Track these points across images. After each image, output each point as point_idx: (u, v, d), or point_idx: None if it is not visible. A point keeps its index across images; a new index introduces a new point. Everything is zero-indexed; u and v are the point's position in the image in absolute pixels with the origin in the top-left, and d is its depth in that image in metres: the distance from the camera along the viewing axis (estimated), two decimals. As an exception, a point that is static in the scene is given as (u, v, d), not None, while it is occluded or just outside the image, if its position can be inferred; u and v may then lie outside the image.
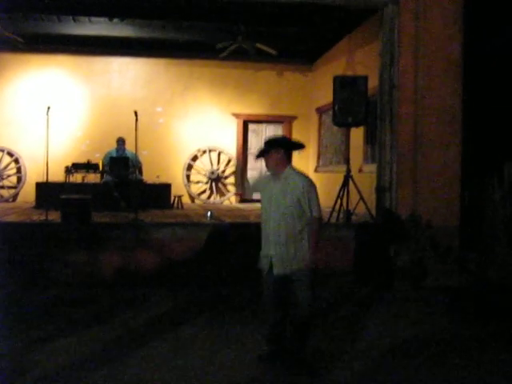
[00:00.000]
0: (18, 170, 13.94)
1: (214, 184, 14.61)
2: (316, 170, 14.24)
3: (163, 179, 12.91)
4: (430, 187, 8.78)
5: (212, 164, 14.69)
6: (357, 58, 12.00)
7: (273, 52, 12.26)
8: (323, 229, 4.85)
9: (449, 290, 7.82)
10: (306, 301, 4.77)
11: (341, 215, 9.14)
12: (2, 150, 13.86)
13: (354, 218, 9.18)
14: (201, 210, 11.77)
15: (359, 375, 4.81)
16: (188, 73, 14.68)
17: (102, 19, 12.04)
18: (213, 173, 14.53)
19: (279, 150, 4.85)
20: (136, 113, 9.22)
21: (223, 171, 14.76)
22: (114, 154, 12.04)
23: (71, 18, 11.99)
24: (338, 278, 7.99)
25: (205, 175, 14.59)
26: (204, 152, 14.67)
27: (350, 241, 8.44)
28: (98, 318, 6.36)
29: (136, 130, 9.17)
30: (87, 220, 8.39)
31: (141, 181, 11.83)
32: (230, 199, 14.74)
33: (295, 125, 15.12)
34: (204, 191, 14.68)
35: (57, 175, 11.61)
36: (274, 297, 4.88)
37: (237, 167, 14.69)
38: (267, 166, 4.96)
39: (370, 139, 11.30)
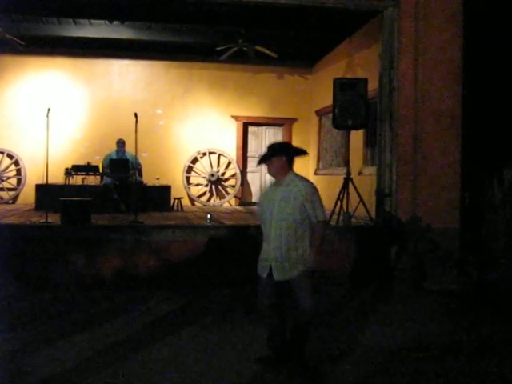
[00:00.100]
0: (18, 172, 13.93)
1: (213, 186, 14.61)
2: (316, 173, 14.24)
3: (163, 181, 12.91)
4: (429, 190, 8.78)
5: (212, 166, 14.69)
6: (357, 61, 12.00)
7: (273, 55, 12.27)
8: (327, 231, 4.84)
9: (449, 293, 7.82)
10: (305, 305, 4.76)
11: (341, 218, 9.14)
12: (2, 152, 13.86)
13: (353, 220, 9.18)
14: (200, 212, 11.77)
15: (358, 379, 4.80)
16: (188, 75, 14.69)
17: (102, 22, 12.06)
18: (212, 175, 14.52)
19: (281, 156, 4.85)
20: (136, 115, 9.22)
21: (223, 174, 14.76)
22: (114, 156, 12.05)
23: (71, 20, 11.99)
24: (337, 280, 7.99)
25: (204, 177, 14.59)
26: (204, 154, 14.67)
27: (350, 243, 8.44)
28: (97, 320, 6.35)
29: (136, 132, 9.18)
30: (87, 222, 8.39)
31: (141, 183, 11.83)
32: (230, 202, 14.73)
33: (295, 127, 15.12)
34: (204, 193, 14.68)
35: (57, 177, 11.62)
36: (272, 301, 4.88)
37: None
38: (269, 171, 4.97)
39: (369, 142, 11.29)
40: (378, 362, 5.17)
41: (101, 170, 12.04)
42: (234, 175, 14.78)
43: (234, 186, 14.76)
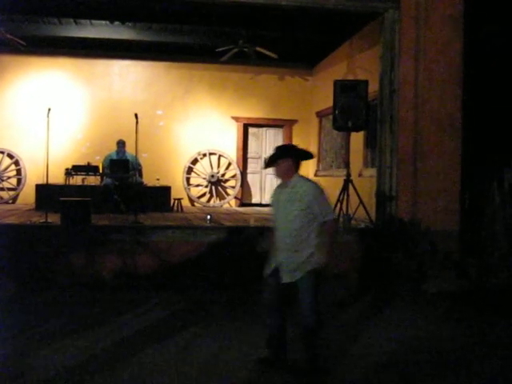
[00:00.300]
0: (18, 172, 13.94)
1: (213, 187, 14.62)
2: (316, 174, 14.24)
3: (163, 182, 12.93)
4: (429, 191, 8.79)
5: (212, 167, 14.70)
6: (357, 63, 12.01)
7: (273, 56, 12.28)
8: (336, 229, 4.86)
9: (448, 295, 7.81)
10: (309, 306, 4.75)
11: (340, 220, 9.14)
12: (3, 152, 13.87)
13: (353, 222, 9.18)
14: (200, 213, 11.77)
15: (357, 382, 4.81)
16: (188, 76, 14.70)
17: (103, 22, 12.07)
18: (213, 176, 14.53)
19: (287, 159, 4.86)
20: (136, 115, 9.23)
21: (223, 175, 14.76)
22: (114, 157, 12.06)
23: (72, 20, 12.00)
24: (337, 283, 7.99)
25: (205, 178, 14.60)
26: (204, 155, 14.68)
27: (349, 245, 8.44)
28: (98, 320, 6.35)
29: (136, 132, 9.18)
30: (87, 222, 8.39)
31: (141, 183, 11.83)
32: (230, 202, 14.74)
33: (295, 129, 15.13)
34: (204, 194, 14.69)
35: (57, 177, 11.63)
36: (274, 302, 4.88)
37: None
38: (276, 174, 4.98)
39: (370, 143, 11.31)
40: (376, 365, 5.15)
41: (101, 171, 12.04)
42: (234, 176, 14.79)
43: (234, 187, 14.77)
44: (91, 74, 14.36)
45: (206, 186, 14.66)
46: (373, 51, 10.41)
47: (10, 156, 13.92)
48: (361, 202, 9.20)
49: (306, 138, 14.85)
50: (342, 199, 9.14)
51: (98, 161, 12.65)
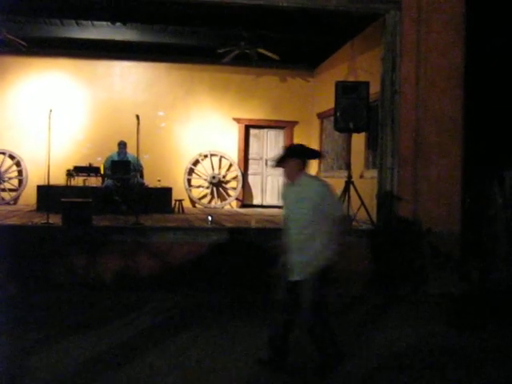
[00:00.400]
0: (20, 173, 13.96)
1: (214, 188, 14.62)
2: (317, 176, 14.23)
3: (164, 183, 12.93)
4: (430, 193, 8.78)
5: (213, 168, 14.70)
6: (359, 64, 12.01)
7: (275, 57, 12.28)
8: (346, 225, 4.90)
9: (449, 297, 7.81)
10: (309, 306, 4.76)
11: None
12: (4, 153, 13.88)
13: (354, 223, 9.18)
14: (201, 214, 11.77)
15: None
16: (189, 77, 14.71)
17: (104, 23, 12.08)
18: (214, 177, 14.53)
19: (295, 158, 4.87)
20: (138, 117, 9.23)
21: (224, 176, 14.76)
22: (116, 158, 12.07)
23: (74, 21, 12.01)
24: (336, 284, 7.98)
25: (206, 180, 14.60)
26: (205, 156, 14.68)
27: (350, 246, 8.42)
28: (99, 321, 6.35)
29: (137, 133, 9.18)
30: (88, 223, 8.40)
31: (142, 184, 11.84)
32: (231, 204, 14.74)
33: (296, 130, 15.13)
34: (205, 196, 14.69)
35: (58, 178, 11.64)
36: (284, 299, 4.91)
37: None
38: (284, 174, 4.99)
39: (371, 145, 11.31)
40: (375, 368, 5.14)
41: (102, 172, 12.05)
42: (235, 177, 14.79)
43: (235, 189, 14.77)
44: (92, 75, 14.37)
45: (207, 188, 14.66)
46: (374, 52, 10.40)
47: (12, 157, 13.93)
48: (362, 203, 9.20)
49: (307, 140, 14.81)
50: (343, 200, 9.13)
51: (99, 162, 12.66)
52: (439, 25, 8.89)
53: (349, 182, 9.28)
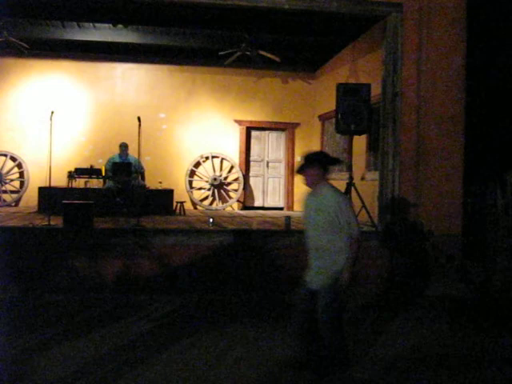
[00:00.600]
0: (21, 175, 13.96)
1: (216, 190, 14.62)
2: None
3: (166, 185, 12.94)
4: (432, 195, 8.78)
5: (214, 170, 14.71)
6: (360, 66, 12.02)
7: (276, 59, 12.28)
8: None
9: (450, 299, 7.80)
10: (324, 313, 4.78)
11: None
12: (5, 155, 13.89)
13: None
14: (203, 216, 11.78)
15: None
16: (191, 79, 14.72)
17: (106, 25, 12.09)
18: (215, 179, 14.54)
19: (315, 166, 4.88)
20: (139, 118, 9.24)
21: (226, 178, 14.77)
22: (117, 160, 12.07)
23: (75, 23, 12.03)
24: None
25: (207, 182, 14.60)
26: (207, 158, 14.69)
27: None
28: (99, 323, 6.36)
29: (139, 135, 9.19)
30: (89, 225, 8.40)
31: (143, 186, 11.85)
32: (233, 206, 14.74)
33: (298, 132, 15.13)
34: (206, 197, 14.69)
35: (59, 180, 11.65)
36: (300, 305, 4.94)
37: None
38: (305, 182, 5.00)
39: (372, 147, 11.31)
40: (375, 371, 5.14)
41: (104, 174, 12.06)
42: (236, 179, 14.79)
43: (236, 190, 14.77)
44: (94, 77, 14.38)
45: (209, 189, 14.66)
46: (375, 55, 10.41)
47: (13, 159, 13.94)
48: (363, 205, 9.19)
49: (308, 142, 14.87)
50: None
51: (100, 164, 12.67)
52: (440, 27, 8.89)
53: (350, 184, 9.27)
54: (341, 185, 9.65)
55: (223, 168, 14.81)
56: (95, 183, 12.54)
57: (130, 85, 14.54)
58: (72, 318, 6.56)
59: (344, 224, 4.76)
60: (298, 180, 14.55)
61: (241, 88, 14.85)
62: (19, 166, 13.96)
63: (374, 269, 8.38)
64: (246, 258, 8.22)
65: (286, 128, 15.16)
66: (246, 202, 14.99)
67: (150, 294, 7.73)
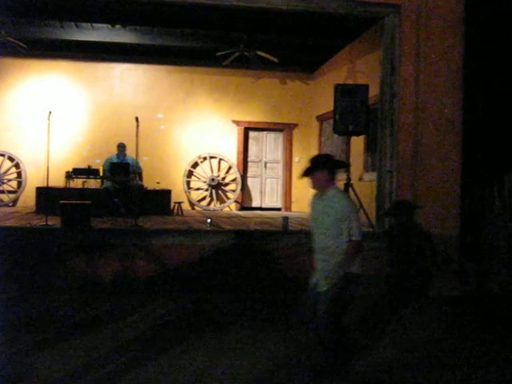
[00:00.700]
0: (19, 175, 13.95)
1: (214, 191, 14.62)
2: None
3: (163, 185, 12.94)
4: (429, 196, 8.79)
5: (212, 171, 14.71)
6: (358, 67, 12.03)
7: (274, 60, 12.29)
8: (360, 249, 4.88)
9: (448, 300, 7.81)
10: (323, 317, 4.79)
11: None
12: (3, 155, 13.88)
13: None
14: (201, 216, 11.77)
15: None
16: (189, 80, 14.72)
17: (104, 25, 12.08)
18: (213, 180, 14.54)
19: (323, 170, 4.87)
20: (137, 119, 9.24)
21: (223, 178, 14.77)
22: (115, 160, 12.07)
23: (73, 23, 12.02)
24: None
25: (205, 182, 14.60)
26: (204, 159, 14.69)
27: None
28: (97, 324, 6.34)
29: (137, 136, 9.19)
30: (87, 225, 8.39)
31: (141, 187, 11.84)
32: (230, 206, 14.74)
33: (296, 133, 15.14)
34: (204, 198, 14.69)
35: (57, 180, 11.64)
36: (309, 309, 4.93)
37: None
38: (312, 185, 5.01)
39: (370, 148, 11.32)
40: (373, 371, 5.14)
41: (101, 174, 12.06)
42: (234, 180, 14.79)
43: (234, 191, 14.77)
44: (92, 77, 14.37)
45: (207, 190, 14.66)
46: (373, 55, 10.43)
47: (11, 159, 13.93)
48: (361, 206, 9.20)
49: (306, 142, 14.88)
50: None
51: (98, 164, 12.66)
52: (438, 28, 8.90)
53: (348, 185, 9.28)
54: (339, 185, 9.68)
55: (221, 168, 14.81)
56: (93, 183, 12.54)
57: (127, 85, 14.54)
58: (70, 318, 6.55)
59: (346, 229, 4.75)
60: (296, 181, 14.60)
61: (239, 88, 14.85)
62: (17, 166, 13.95)
63: (371, 270, 8.37)
64: (243, 259, 8.22)
65: (284, 129, 15.16)
66: (244, 203, 14.99)
67: (147, 294, 7.71)
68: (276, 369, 5.08)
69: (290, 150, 15.08)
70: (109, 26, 12.03)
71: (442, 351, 5.75)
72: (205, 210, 14.32)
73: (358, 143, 11.03)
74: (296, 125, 15.12)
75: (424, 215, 8.68)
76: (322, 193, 4.93)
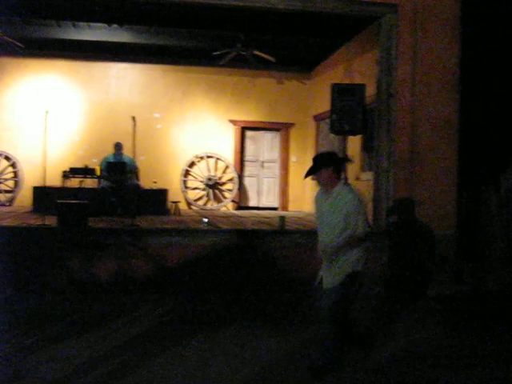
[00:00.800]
0: (15, 175, 13.93)
1: (211, 190, 14.62)
2: (313, 178, 14.21)
3: (160, 185, 12.93)
4: (426, 196, 8.80)
5: (209, 170, 14.70)
6: (355, 67, 12.04)
7: (271, 59, 12.29)
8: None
9: (444, 299, 7.82)
10: (326, 314, 4.81)
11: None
12: (0, 154, 13.86)
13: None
14: (197, 216, 11.77)
15: None
16: (186, 79, 14.72)
17: (100, 25, 12.07)
18: (210, 179, 14.53)
19: (328, 168, 4.88)
20: (134, 118, 9.23)
21: (220, 178, 14.77)
22: (112, 159, 12.06)
23: (70, 23, 12.01)
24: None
25: (202, 182, 14.60)
26: (201, 158, 14.69)
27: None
28: (93, 324, 6.33)
29: (134, 135, 9.18)
30: (84, 225, 8.39)
31: (138, 186, 11.83)
32: (227, 206, 14.74)
33: (292, 132, 15.15)
34: (201, 197, 14.69)
35: (54, 180, 11.62)
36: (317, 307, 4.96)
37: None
38: (318, 183, 5.02)
39: (367, 147, 11.32)
40: (369, 370, 5.15)
41: (98, 173, 12.04)
42: (231, 179, 14.80)
43: (231, 190, 14.77)
44: (89, 76, 14.36)
45: (204, 189, 14.66)
46: (370, 55, 10.43)
47: (7, 158, 13.91)
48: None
49: (303, 142, 14.90)
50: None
51: (95, 163, 12.64)
52: (435, 28, 8.92)
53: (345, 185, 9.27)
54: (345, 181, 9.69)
55: (218, 168, 14.81)
56: (90, 183, 12.52)
57: (124, 84, 14.52)
58: (67, 318, 6.54)
59: (352, 224, 4.76)
60: (293, 180, 14.61)
61: (236, 88, 14.85)
62: (13, 165, 13.93)
63: (367, 269, 8.38)
64: (240, 259, 8.22)
65: (281, 128, 15.17)
66: (241, 202, 15.00)
67: (144, 294, 7.71)
68: (272, 367, 5.08)
69: (287, 150, 15.09)
70: (105, 25, 12.02)
71: (438, 350, 5.76)
72: (202, 209, 14.32)
73: (354, 143, 11.04)
74: (293, 124, 15.12)
75: (420, 214, 8.69)
76: (327, 190, 4.93)
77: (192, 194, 14.61)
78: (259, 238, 8.47)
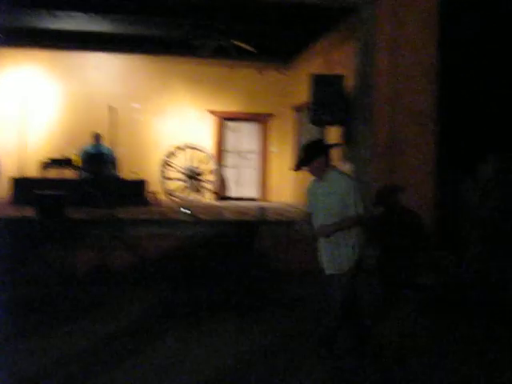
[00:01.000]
0: (-7, 165, 13.80)
1: (191, 181, 14.59)
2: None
3: (140, 176, 12.87)
4: (405, 186, 8.87)
5: (189, 161, 14.67)
6: (334, 57, 12.04)
7: (252, 50, 12.26)
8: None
9: (423, 288, 7.90)
10: (332, 301, 4.84)
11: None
12: (-23, 145, 13.72)
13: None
14: (178, 207, 11.74)
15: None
16: (165, 69, 14.64)
17: (79, 14, 11.93)
18: (190, 170, 14.50)
19: (321, 155, 4.94)
20: (111, 108, 9.17)
21: (200, 168, 14.73)
22: (90, 150, 12.01)
23: (49, 12, 11.85)
24: (311, 278, 8.03)
25: (182, 172, 14.56)
26: (181, 149, 14.64)
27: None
28: (71, 316, 6.31)
29: (113, 126, 9.14)
30: (62, 216, 8.34)
31: (117, 177, 11.78)
32: (207, 196, 14.73)
33: (272, 123, 15.16)
34: (181, 188, 14.65)
35: (33, 171, 11.53)
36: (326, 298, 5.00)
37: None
38: (311, 173, 5.05)
39: (346, 138, 11.35)
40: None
41: (77, 164, 11.96)
42: (211, 170, 14.77)
43: (211, 181, 14.76)
44: (67, 66, 14.23)
45: (184, 180, 14.62)
46: (349, 46, 10.43)
47: (-15, 149, 13.76)
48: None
49: (282, 132, 14.89)
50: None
51: (73, 154, 12.55)
52: (414, 20, 8.97)
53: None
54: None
55: (198, 159, 14.77)
56: (69, 174, 12.43)
57: (103, 75, 14.40)
58: (46, 310, 6.52)
59: (352, 204, 4.79)
60: (273, 171, 14.63)
61: (215, 78, 14.80)
62: (-9, 156, 13.79)
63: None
64: (221, 249, 8.24)
65: (261, 119, 15.17)
66: (221, 193, 14.99)
67: (123, 285, 7.70)
68: (256, 357, 5.11)
69: (267, 141, 15.10)
70: (84, 14, 11.89)
71: (412, 338, 5.83)
72: (182, 200, 14.29)
73: (334, 133, 11.07)
74: (273, 115, 15.12)
75: (399, 205, 8.78)
76: (320, 177, 4.97)
77: (172, 185, 14.57)
78: (239, 229, 8.49)
